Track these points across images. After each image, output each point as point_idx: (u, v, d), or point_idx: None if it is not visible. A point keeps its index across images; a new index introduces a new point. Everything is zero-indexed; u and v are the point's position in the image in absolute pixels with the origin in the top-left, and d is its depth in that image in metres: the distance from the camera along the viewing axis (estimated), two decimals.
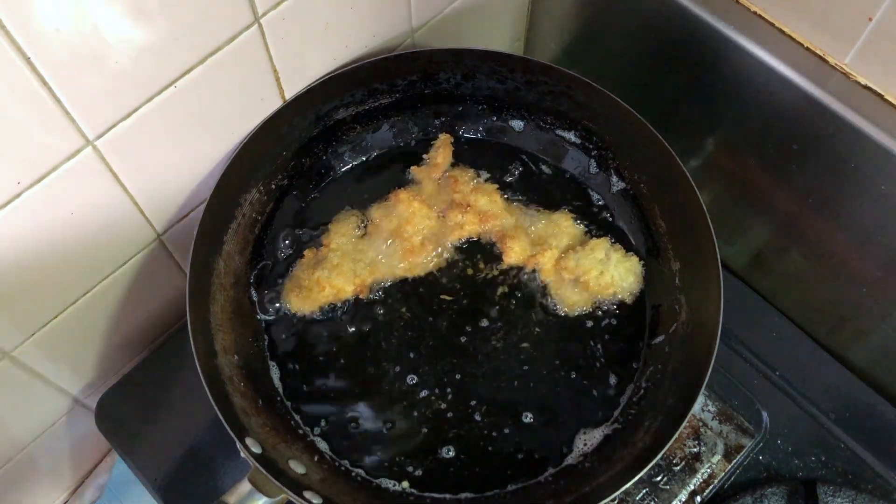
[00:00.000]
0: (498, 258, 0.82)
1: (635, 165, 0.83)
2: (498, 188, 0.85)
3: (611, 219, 0.86)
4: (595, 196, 0.87)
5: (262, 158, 0.80)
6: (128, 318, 0.82)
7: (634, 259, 0.82)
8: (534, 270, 0.82)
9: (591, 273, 0.80)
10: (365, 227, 0.84)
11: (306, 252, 0.82)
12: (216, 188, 0.74)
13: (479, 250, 0.83)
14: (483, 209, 0.83)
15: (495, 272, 0.82)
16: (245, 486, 0.64)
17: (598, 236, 0.83)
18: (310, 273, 0.80)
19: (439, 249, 0.83)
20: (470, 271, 0.82)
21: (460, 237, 0.83)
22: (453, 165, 0.87)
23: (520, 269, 0.82)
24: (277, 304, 0.80)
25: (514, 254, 0.82)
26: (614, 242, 0.83)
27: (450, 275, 0.82)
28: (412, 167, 0.87)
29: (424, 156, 0.88)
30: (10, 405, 0.77)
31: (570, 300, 0.81)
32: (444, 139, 0.88)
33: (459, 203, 0.83)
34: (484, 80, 0.85)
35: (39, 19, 0.53)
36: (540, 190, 0.87)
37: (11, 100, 0.55)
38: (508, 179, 0.87)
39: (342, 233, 0.83)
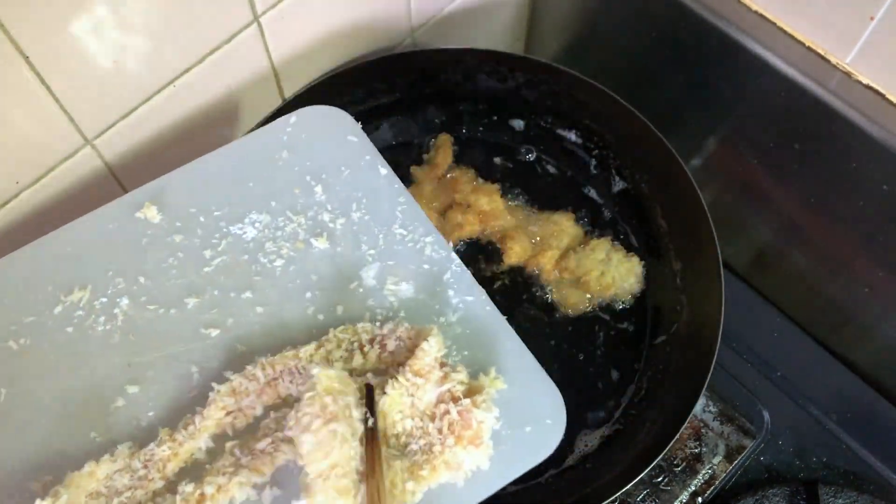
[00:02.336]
0: (498, 258, 0.82)
1: (636, 165, 0.83)
2: (498, 189, 0.85)
3: (611, 219, 0.85)
4: (596, 196, 0.87)
5: None
6: None
7: (635, 260, 0.81)
8: (534, 271, 0.82)
9: (592, 273, 0.80)
10: None
11: None
12: None
13: (480, 251, 0.83)
14: (483, 209, 0.83)
15: (495, 272, 0.82)
16: None
17: (599, 237, 0.83)
18: None
19: None
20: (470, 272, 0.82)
21: (460, 237, 0.83)
22: (453, 166, 0.87)
23: (520, 269, 0.82)
24: None
25: (514, 254, 0.81)
26: (615, 243, 0.82)
27: None
28: (412, 167, 0.86)
29: (424, 156, 0.88)
30: None
31: (570, 300, 0.80)
32: (444, 139, 0.88)
33: (460, 203, 0.83)
34: (484, 80, 0.85)
35: (39, 18, 0.53)
36: (541, 190, 0.87)
37: (10, 99, 0.55)
38: (509, 179, 0.87)
39: None
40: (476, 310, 0.59)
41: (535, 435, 0.54)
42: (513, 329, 0.58)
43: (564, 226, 0.83)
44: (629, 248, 0.83)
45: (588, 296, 0.80)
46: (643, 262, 0.82)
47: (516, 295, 0.81)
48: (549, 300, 0.81)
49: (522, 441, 0.54)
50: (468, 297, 0.59)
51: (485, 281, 0.82)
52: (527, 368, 0.57)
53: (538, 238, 0.83)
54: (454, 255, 0.61)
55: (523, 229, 0.83)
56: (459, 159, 0.87)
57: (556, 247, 0.82)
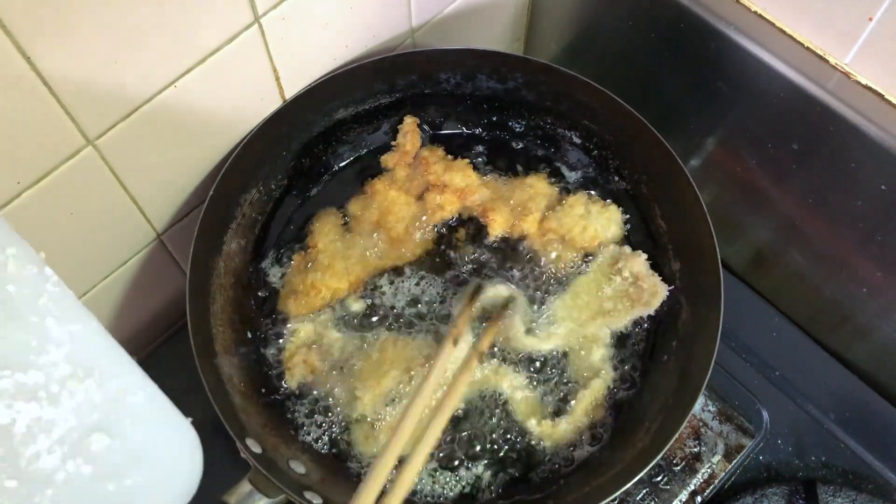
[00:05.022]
0: (483, 232, 0.82)
1: (635, 165, 0.83)
2: (469, 163, 0.85)
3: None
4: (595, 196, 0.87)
5: (262, 158, 0.80)
6: (128, 317, 0.82)
7: (613, 207, 0.82)
8: (520, 238, 0.82)
9: (575, 229, 0.81)
10: (347, 223, 0.84)
11: (295, 257, 0.81)
12: (216, 188, 0.74)
13: (464, 227, 0.83)
14: (459, 186, 0.83)
15: (483, 246, 0.82)
16: (245, 487, 0.64)
17: (574, 192, 0.84)
18: (302, 277, 0.80)
19: (425, 234, 0.83)
20: (459, 250, 0.82)
21: (443, 218, 0.83)
22: (423, 148, 0.87)
23: (506, 239, 0.82)
24: (275, 315, 0.79)
25: (497, 225, 0.82)
26: (590, 194, 0.83)
27: (440, 256, 0.82)
28: (381, 156, 0.86)
29: (392, 143, 0.87)
30: None
31: (560, 259, 0.81)
32: (410, 123, 0.87)
33: (435, 184, 0.83)
34: (484, 80, 0.85)
35: (40, 19, 0.53)
36: (511, 158, 0.88)
37: (11, 99, 0.55)
38: (484, 156, 0.88)
39: (325, 232, 0.82)
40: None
41: (171, 481, 0.47)
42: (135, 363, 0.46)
43: (539, 187, 0.84)
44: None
45: (574, 252, 0.81)
46: (621, 209, 0.83)
47: (508, 266, 0.81)
48: (542, 264, 0.81)
49: (158, 489, 0.46)
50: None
51: (473, 257, 0.82)
52: (158, 408, 0.47)
53: (517, 205, 0.83)
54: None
55: (502, 199, 0.83)
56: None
57: (535, 209, 0.82)
